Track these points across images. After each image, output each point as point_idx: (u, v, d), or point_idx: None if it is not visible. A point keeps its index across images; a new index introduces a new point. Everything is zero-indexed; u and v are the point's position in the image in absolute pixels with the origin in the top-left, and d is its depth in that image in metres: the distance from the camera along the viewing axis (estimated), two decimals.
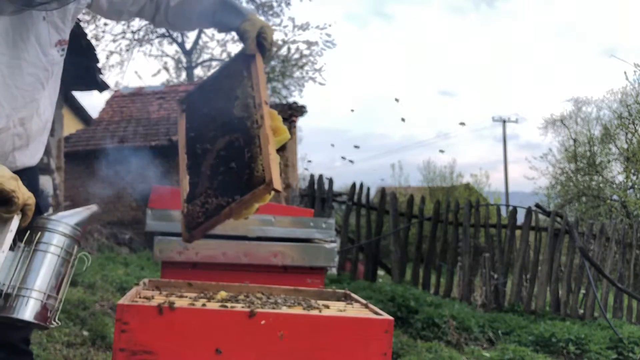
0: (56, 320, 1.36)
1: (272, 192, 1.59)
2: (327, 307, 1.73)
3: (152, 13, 1.87)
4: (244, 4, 8.72)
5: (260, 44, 1.77)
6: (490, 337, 5.54)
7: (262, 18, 1.84)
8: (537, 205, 8.00)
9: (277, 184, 1.56)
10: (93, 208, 1.49)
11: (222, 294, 1.82)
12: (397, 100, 14.16)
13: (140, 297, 1.69)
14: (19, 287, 1.29)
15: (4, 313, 1.28)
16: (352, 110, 18.61)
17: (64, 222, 1.38)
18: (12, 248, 1.31)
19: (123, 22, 15.72)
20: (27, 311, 1.29)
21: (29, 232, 1.34)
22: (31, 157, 1.63)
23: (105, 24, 17.00)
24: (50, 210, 1.42)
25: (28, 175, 1.53)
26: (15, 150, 1.55)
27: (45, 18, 1.52)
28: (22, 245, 1.32)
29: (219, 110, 1.82)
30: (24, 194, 1.31)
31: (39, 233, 1.34)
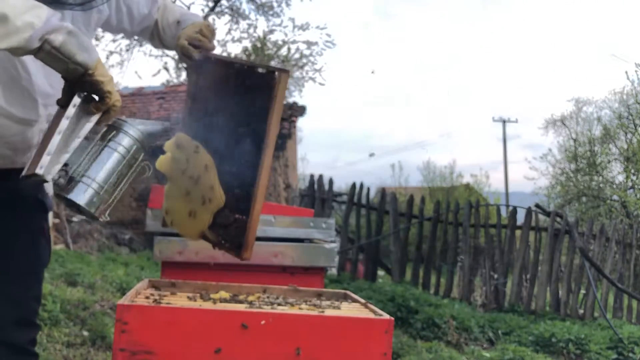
0: (106, 215, 1.47)
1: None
2: (328, 307, 1.73)
3: (149, 34, 1.94)
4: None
5: (200, 46, 1.75)
6: (490, 337, 5.54)
7: (200, 19, 1.82)
8: (537, 206, 8.00)
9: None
10: (167, 124, 1.60)
11: (222, 293, 1.82)
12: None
13: (140, 297, 1.69)
14: (83, 175, 1.40)
15: (63, 192, 1.39)
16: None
17: (138, 127, 1.47)
18: (88, 138, 1.40)
19: None
20: (82, 197, 1.40)
21: (105, 129, 1.45)
22: None
23: None
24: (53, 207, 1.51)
25: None
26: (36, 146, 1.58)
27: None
28: (97, 138, 1.43)
29: None
30: (115, 96, 1.39)
31: (114, 132, 1.45)
